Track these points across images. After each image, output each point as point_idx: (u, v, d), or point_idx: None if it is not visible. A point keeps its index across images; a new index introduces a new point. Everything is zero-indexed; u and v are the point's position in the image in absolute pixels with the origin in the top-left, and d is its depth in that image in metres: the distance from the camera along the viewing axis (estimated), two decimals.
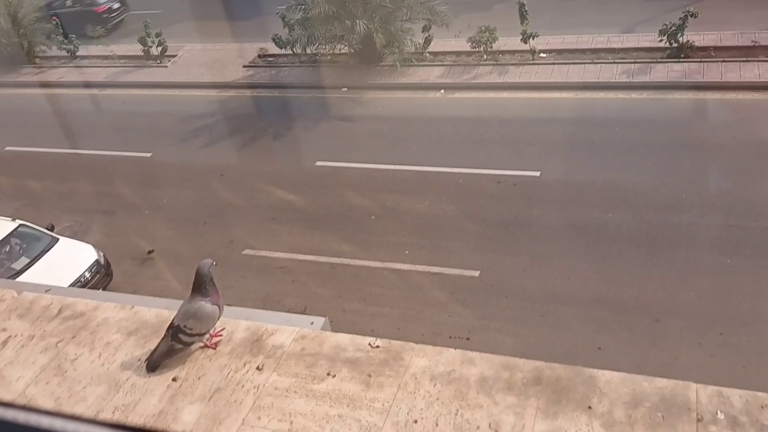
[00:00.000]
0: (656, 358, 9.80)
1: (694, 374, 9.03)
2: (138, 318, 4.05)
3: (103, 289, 11.48)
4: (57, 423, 0.76)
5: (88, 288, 11.13)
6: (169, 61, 21.55)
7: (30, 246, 12.26)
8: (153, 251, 13.27)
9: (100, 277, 11.90)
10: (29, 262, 11.85)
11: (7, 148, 18.01)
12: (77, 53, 22.52)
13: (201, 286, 3.76)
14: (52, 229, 12.87)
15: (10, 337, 4.09)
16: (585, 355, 9.91)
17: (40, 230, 12.54)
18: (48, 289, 4.50)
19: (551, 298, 11.11)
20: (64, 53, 22.50)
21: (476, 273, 11.81)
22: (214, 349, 3.77)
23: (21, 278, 11.17)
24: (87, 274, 11.73)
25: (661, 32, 16.72)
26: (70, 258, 11.96)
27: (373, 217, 13.53)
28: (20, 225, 12.46)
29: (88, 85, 21.15)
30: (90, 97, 20.58)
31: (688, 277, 11.04)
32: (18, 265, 11.80)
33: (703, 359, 9.68)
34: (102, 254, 12.42)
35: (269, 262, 12.82)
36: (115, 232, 14.33)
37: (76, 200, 15.56)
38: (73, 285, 11.21)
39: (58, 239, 12.46)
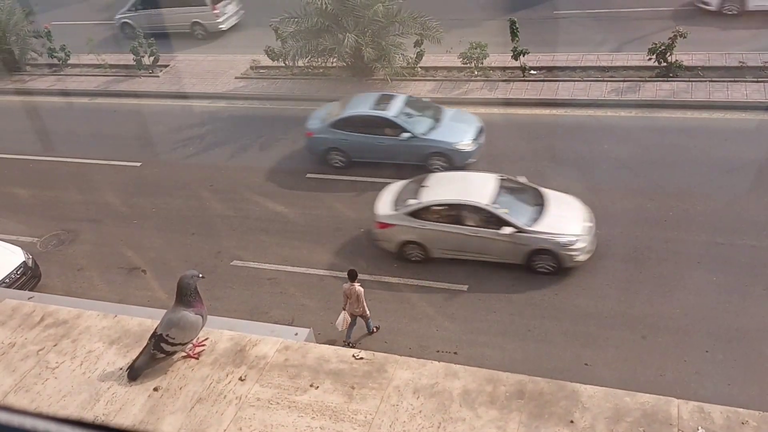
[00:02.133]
0: (642, 374, 9.81)
1: (680, 390, 9.04)
2: (120, 326, 4.02)
3: (31, 290, 11.95)
4: (39, 424, 0.75)
5: (15, 287, 11.70)
6: (160, 71, 21.54)
7: None
8: (146, 272, 13.17)
9: (26, 279, 12.51)
10: None
11: None
12: (68, 62, 22.48)
13: (184, 296, 3.74)
14: None
15: None
16: (572, 371, 9.91)
17: None
18: (31, 297, 4.46)
19: (539, 313, 11.13)
20: (55, 61, 22.44)
21: (465, 287, 11.82)
22: (197, 359, 3.74)
23: None
24: (14, 275, 12.36)
25: (650, 51, 16.90)
26: None
27: (362, 230, 13.53)
28: None
29: (78, 93, 21.09)
30: (80, 106, 20.51)
31: (675, 294, 11.09)
32: None
33: (689, 376, 9.71)
34: (31, 257, 12.98)
35: (257, 273, 12.78)
36: (102, 241, 14.24)
37: (63, 208, 15.47)
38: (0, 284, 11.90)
39: None
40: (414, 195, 12.58)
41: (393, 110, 15.26)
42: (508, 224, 11.64)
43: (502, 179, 12.64)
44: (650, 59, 17.00)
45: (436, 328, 11.12)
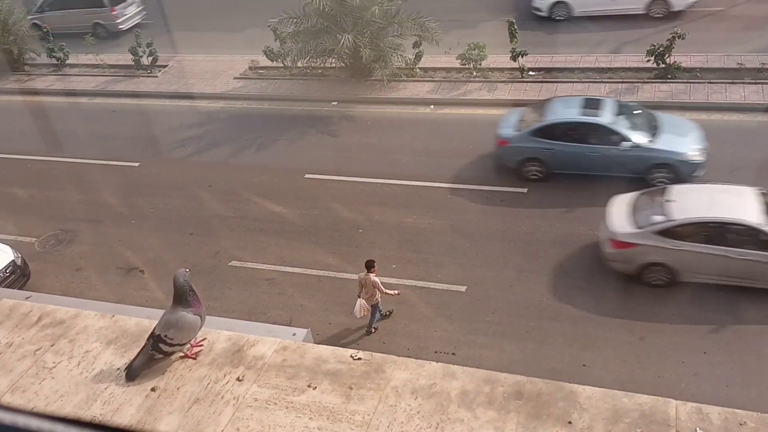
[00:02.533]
0: (641, 376, 9.82)
1: (677, 392, 9.04)
2: (118, 327, 4.02)
3: (20, 288, 12.03)
4: (36, 423, 0.74)
5: (3, 286, 11.70)
6: (159, 71, 21.52)
7: None
8: (144, 272, 13.16)
9: (15, 277, 12.60)
10: None
11: None
12: (67, 61, 22.46)
13: (182, 296, 3.74)
14: None
15: None
16: (570, 372, 9.91)
17: None
18: (29, 296, 4.46)
19: (537, 314, 11.13)
20: (53, 61, 22.42)
21: (463, 288, 11.82)
22: (195, 359, 3.74)
23: None
24: (2, 273, 12.41)
25: (649, 53, 16.92)
26: None
27: (360, 230, 13.52)
28: None
29: (77, 93, 21.07)
30: (79, 106, 20.49)
31: (671, 295, 11.09)
32: None
33: (687, 377, 9.71)
34: (20, 256, 13.05)
35: (256, 274, 12.77)
36: (101, 241, 14.22)
37: (62, 208, 15.45)
38: None
39: None
40: (659, 211, 11.18)
41: (607, 116, 13.79)
42: None
43: (763, 193, 11.22)
44: (648, 60, 17.02)
45: (435, 329, 11.12)
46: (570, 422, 3.08)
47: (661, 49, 16.76)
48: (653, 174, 13.28)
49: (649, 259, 11.02)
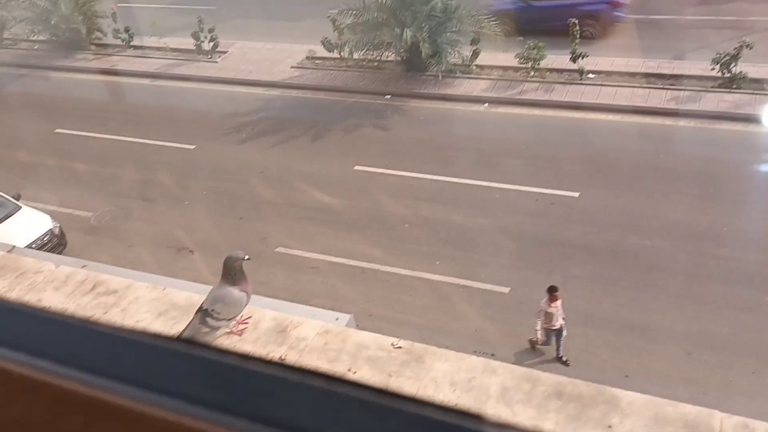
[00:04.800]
0: (684, 392, 9.56)
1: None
2: (168, 299, 4.13)
3: None
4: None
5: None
6: (219, 56, 21.93)
7: None
8: (193, 252, 13.47)
9: (52, 246, 13.00)
10: None
11: (57, 131, 18.53)
12: (132, 43, 23.08)
13: (230, 274, 3.83)
14: (18, 198, 13.90)
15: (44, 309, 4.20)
16: (610, 382, 9.72)
17: (5, 197, 13.67)
18: (84, 265, 4.62)
19: (582, 321, 10.95)
20: (119, 42, 23.07)
21: (506, 289, 11.71)
22: (240, 335, 3.82)
23: None
24: (40, 241, 12.89)
25: (714, 61, 16.41)
26: (27, 225, 13.12)
27: (407, 225, 13.53)
28: None
29: (139, 74, 21.64)
30: (140, 86, 21.05)
31: (724, 312, 10.77)
32: None
33: (734, 396, 9.42)
34: (58, 225, 13.49)
35: (301, 261, 12.91)
36: (154, 219, 14.61)
37: (119, 185, 15.92)
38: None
39: (20, 207, 13.62)
40: None
41: None
42: None
43: None
44: (713, 69, 16.51)
45: (475, 329, 11.05)
46: (610, 426, 3.04)
47: (727, 58, 16.24)
48: None
49: None
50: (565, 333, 10.18)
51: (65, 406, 0.45)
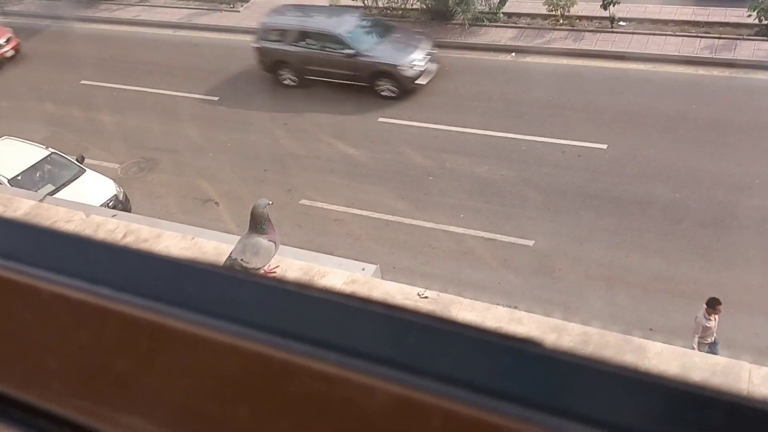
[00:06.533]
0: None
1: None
2: (198, 248, 4.17)
3: None
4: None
5: None
6: (242, 6, 21.66)
7: (58, 174, 13.05)
8: (219, 203, 13.53)
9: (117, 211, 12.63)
10: (54, 189, 12.56)
11: (83, 82, 18.58)
12: None
13: (258, 223, 3.84)
14: (82, 160, 13.53)
15: None
16: (635, 335, 9.72)
17: (69, 160, 13.31)
18: (114, 214, 4.68)
19: (607, 273, 10.91)
20: None
21: (531, 242, 11.67)
22: None
23: None
24: (105, 206, 12.46)
25: (751, 7, 15.79)
26: (91, 190, 12.71)
27: (431, 178, 13.47)
28: (52, 153, 13.16)
29: (161, 25, 21.50)
30: (163, 37, 20.93)
31: (754, 264, 10.64)
32: (43, 191, 12.37)
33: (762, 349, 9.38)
34: (122, 191, 13.13)
35: (325, 214, 12.97)
36: (180, 170, 14.71)
37: (144, 137, 16.00)
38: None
39: (84, 170, 13.22)
40: None
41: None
42: None
43: None
44: (750, 16, 15.91)
45: (499, 281, 11.07)
46: None
47: (765, 3, 15.62)
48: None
49: None
50: (719, 349, 8.77)
51: (132, 331, 0.48)
